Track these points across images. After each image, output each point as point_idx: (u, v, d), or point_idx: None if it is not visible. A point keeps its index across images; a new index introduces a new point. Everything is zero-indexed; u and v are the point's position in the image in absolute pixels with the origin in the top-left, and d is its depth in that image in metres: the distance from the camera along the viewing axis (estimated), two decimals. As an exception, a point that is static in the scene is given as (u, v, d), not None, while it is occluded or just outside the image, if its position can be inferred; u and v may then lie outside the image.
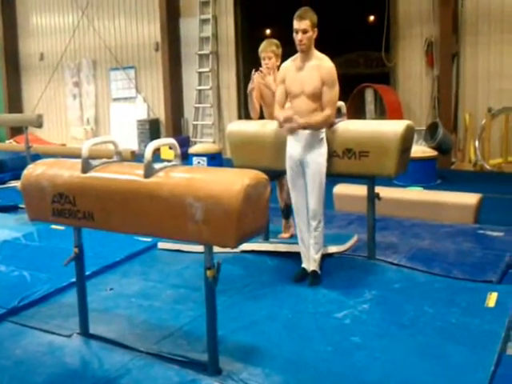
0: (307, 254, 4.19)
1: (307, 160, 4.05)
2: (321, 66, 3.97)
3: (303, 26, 3.92)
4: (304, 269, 4.20)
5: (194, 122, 11.56)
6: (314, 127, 3.98)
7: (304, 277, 4.15)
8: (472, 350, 3.10)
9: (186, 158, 8.47)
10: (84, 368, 3.12)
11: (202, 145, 9.94)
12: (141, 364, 3.07)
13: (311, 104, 4.00)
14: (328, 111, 3.96)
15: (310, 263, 4.15)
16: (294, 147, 4.10)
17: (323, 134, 4.07)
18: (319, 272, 4.14)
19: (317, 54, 4.04)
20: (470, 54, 8.78)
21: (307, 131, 4.01)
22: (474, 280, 4.02)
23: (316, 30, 3.98)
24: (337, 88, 4.00)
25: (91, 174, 3.16)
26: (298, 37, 3.95)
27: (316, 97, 3.98)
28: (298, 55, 4.08)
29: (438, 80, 8.95)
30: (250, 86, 4.70)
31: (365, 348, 3.18)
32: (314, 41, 3.99)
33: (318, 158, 4.05)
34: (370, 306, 3.69)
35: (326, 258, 4.38)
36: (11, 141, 12.95)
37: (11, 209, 6.79)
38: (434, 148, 7.92)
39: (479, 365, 2.94)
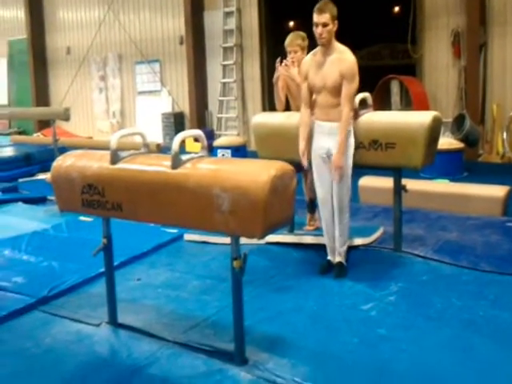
0: (332, 247, 4.19)
1: (334, 152, 4.01)
2: (341, 60, 3.91)
3: (323, 19, 3.86)
4: (329, 261, 4.19)
5: (218, 115, 11.58)
6: (346, 136, 3.93)
7: (329, 269, 4.15)
8: (500, 343, 3.08)
9: (210, 151, 8.50)
10: (113, 356, 3.17)
11: (227, 137, 9.96)
12: (169, 353, 3.11)
13: (333, 99, 3.96)
14: (346, 108, 3.89)
15: (336, 255, 4.15)
16: (320, 140, 4.07)
17: (350, 126, 4.03)
18: (345, 264, 4.13)
19: (338, 46, 3.98)
20: (497, 45, 8.62)
21: (334, 124, 3.98)
22: (503, 273, 3.98)
23: (336, 22, 3.92)
24: (356, 82, 3.92)
25: (120, 165, 3.19)
26: (317, 30, 3.89)
27: (337, 91, 3.93)
28: (318, 49, 4.04)
29: (464, 71, 8.82)
30: (276, 75, 4.69)
31: (391, 340, 3.18)
32: (334, 33, 3.93)
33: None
34: (396, 298, 3.68)
35: (351, 250, 4.37)
36: (39, 134, 13.16)
37: (40, 200, 6.90)
38: (461, 140, 7.81)
39: (508, 358, 2.92)
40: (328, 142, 4.02)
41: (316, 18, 3.89)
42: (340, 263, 4.13)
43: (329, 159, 4.06)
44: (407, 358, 2.98)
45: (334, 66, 3.92)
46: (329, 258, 4.21)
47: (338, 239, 4.12)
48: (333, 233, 4.17)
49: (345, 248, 4.15)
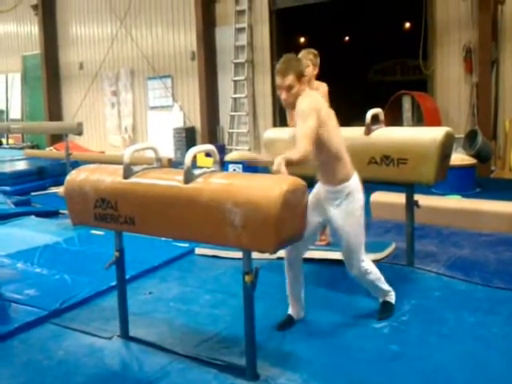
0: (293, 300, 3.63)
1: (334, 220, 3.38)
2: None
3: (287, 82, 3.20)
4: (290, 315, 3.62)
5: (230, 130, 11.63)
6: (294, 162, 3.09)
7: (288, 324, 3.58)
8: (514, 360, 3.05)
9: (221, 166, 8.53)
10: (124, 370, 3.18)
11: (238, 152, 10.00)
12: (180, 367, 3.11)
13: (314, 156, 3.25)
14: (298, 146, 3.12)
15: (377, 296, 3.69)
16: (321, 202, 3.47)
17: (348, 186, 3.31)
18: (390, 301, 3.66)
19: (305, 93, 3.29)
20: (509, 61, 8.61)
21: (327, 188, 3.38)
22: (516, 290, 3.95)
23: (304, 78, 3.28)
24: (309, 121, 3.11)
25: (132, 179, 3.21)
26: (282, 95, 3.25)
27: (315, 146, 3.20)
28: None
29: (476, 87, 8.81)
30: None
31: (404, 357, 3.15)
32: (303, 90, 3.26)
33: (347, 220, 3.33)
34: (409, 314, 3.66)
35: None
36: (51, 148, 13.27)
37: (52, 214, 6.95)
38: (473, 156, 7.78)
39: (522, 375, 2.89)
40: (327, 206, 3.42)
41: (279, 80, 3.23)
42: (384, 302, 3.67)
43: (326, 225, 3.53)
44: (420, 375, 2.96)
45: None
46: (289, 312, 3.63)
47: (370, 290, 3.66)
48: (297, 294, 3.60)
49: (381, 288, 3.62)
